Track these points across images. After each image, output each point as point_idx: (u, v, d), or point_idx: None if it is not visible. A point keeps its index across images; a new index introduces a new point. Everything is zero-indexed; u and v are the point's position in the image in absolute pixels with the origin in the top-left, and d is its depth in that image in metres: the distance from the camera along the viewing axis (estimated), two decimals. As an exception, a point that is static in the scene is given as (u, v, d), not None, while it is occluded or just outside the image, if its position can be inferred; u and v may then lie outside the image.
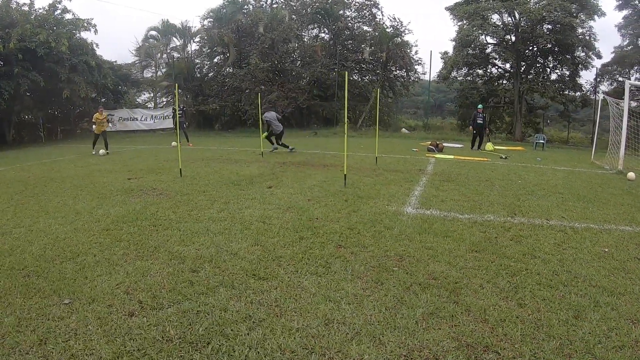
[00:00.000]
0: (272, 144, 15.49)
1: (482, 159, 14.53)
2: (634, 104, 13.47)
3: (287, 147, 15.24)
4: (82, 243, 4.88)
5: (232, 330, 3.01)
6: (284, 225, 5.53)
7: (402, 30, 30.87)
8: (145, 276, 3.92)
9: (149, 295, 3.53)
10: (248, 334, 2.96)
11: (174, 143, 18.67)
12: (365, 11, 32.53)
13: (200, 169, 10.63)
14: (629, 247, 5.04)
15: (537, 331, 3.04)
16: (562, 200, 7.67)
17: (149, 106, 35.73)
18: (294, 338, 2.91)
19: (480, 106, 20.06)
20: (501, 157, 15.24)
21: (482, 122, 19.12)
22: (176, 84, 11.03)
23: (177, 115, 19.96)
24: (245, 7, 32.05)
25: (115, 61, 31.45)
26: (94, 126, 16.54)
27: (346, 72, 9.37)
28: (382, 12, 33.99)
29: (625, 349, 2.86)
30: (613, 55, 30.33)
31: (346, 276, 3.90)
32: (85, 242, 4.90)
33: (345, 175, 8.57)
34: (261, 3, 33.08)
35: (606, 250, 4.86)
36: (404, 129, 31.78)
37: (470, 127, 19.90)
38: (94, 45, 27.55)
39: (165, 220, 5.84)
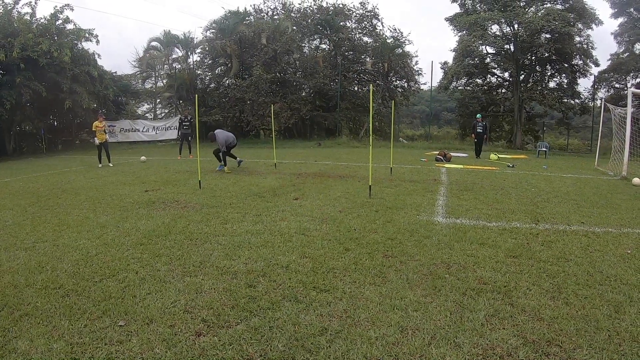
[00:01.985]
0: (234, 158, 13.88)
1: (491, 167, 14.75)
2: (632, 109, 13.68)
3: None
4: (117, 259, 4.78)
5: (312, 344, 3.02)
6: (325, 237, 5.64)
7: (402, 41, 31.30)
8: (199, 293, 3.84)
9: (212, 313, 3.45)
10: (330, 346, 2.99)
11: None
12: (365, 22, 32.90)
13: (217, 181, 10.69)
14: None
15: (587, 325, 3.30)
16: (577, 206, 7.96)
17: (148, 117, 35.83)
18: (377, 347, 2.99)
19: (478, 115, 20.74)
20: (508, 166, 15.47)
21: (481, 130, 19.82)
22: (196, 95, 11.10)
23: (184, 127, 19.88)
24: (247, 18, 32.22)
25: (115, 72, 31.55)
26: (95, 138, 16.41)
27: (371, 85, 9.58)
28: (382, 23, 34.50)
29: (664, 336, 3.15)
30: (609, 62, 30.81)
31: (404, 284, 4.05)
32: (120, 258, 4.81)
33: (370, 186, 8.74)
34: (262, 14, 33.33)
35: (629, 251, 5.15)
36: (401, 138, 32.05)
37: (472, 135, 20.44)
38: (96, 56, 27.61)
39: (201, 234, 5.81)
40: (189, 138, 20.29)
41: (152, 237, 5.67)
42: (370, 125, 9.37)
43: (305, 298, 3.77)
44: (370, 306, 3.61)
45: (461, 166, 15.05)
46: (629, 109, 13.30)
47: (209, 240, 5.52)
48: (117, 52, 75.55)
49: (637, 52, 29.77)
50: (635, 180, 11.22)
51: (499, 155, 19.68)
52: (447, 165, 15.25)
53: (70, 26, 25.60)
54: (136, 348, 2.96)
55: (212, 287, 3.98)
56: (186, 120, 20.37)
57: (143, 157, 17.47)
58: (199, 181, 9.90)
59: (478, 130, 19.85)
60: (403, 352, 2.93)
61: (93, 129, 16.45)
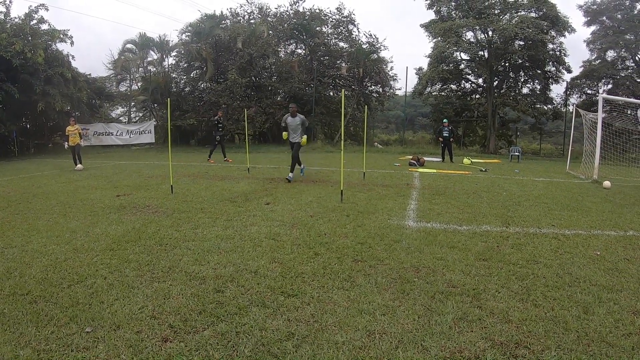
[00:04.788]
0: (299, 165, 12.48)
1: (463, 172, 14.88)
2: (603, 115, 13.96)
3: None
4: (86, 264, 4.67)
5: (278, 349, 2.98)
6: (295, 241, 5.58)
7: (378, 46, 31.44)
8: (167, 299, 3.78)
9: (179, 319, 3.39)
10: (296, 351, 2.96)
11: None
12: (341, 28, 32.98)
13: (189, 186, 10.57)
14: (617, 249, 5.45)
15: (556, 326, 3.31)
16: (548, 209, 8.07)
17: (123, 120, 35.35)
18: (343, 351, 2.95)
19: (445, 120, 21.33)
20: (481, 170, 15.63)
21: (447, 135, 20.36)
22: (168, 99, 10.93)
23: (219, 128, 19.23)
24: (224, 22, 32.00)
25: (90, 74, 30.98)
26: (66, 142, 16.30)
27: (343, 90, 9.58)
28: (358, 28, 34.55)
29: (632, 335, 3.20)
30: (582, 69, 31.49)
31: (372, 289, 4.02)
32: (89, 264, 4.70)
33: (342, 191, 8.73)
34: (238, 18, 33.18)
35: (598, 253, 5.22)
36: (376, 143, 32.17)
37: (439, 139, 21.00)
38: (70, 57, 27.02)
39: (171, 239, 5.72)
40: (221, 140, 19.74)
41: (121, 243, 5.55)
42: (342, 130, 9.34)
43: (273, 303, 3.71)
44: (337, 310, 3.57)
45: (434, 170, 15.17)
46: (600, 115, 13.58)
47: (179, 246, 5.43)
48: (91, 53, 74.37)
49: (609, 59, 30.50)
50: (606, 183, 11.45)
51: (472, 160, 19.89)
52: (420, 170, 15.38)
53: (44, 26, 25.07)
54: (102, 354, 2.90)
55: (180, 293, 3.91)
56: (220, 122, 19.64)
57: (80, 166, 15.94)
58: (171, 186, 9.76)
59: (444, 134, 20.41)
60: (370, 357, 2.90)
61: (66, 134, 16.33)
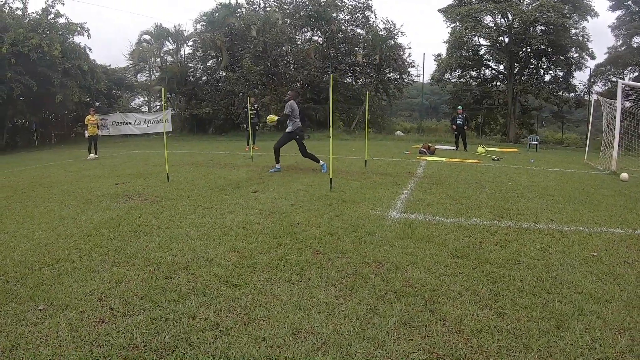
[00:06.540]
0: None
1: (474, 161, 14.48)
2: (627, 104, 13.36)
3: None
4: (62, 249, 4.86)
5: (197, 338, 2.97)
6: (264, 230, 5.45)
7: (395, 32, 30.90)
8: (119, 283, 3.89)
9: (121, 302, 3.51)
10: (213, 342, 2.93)
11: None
12: (358, 14, 32.50)
13: (188, 174, 10.57)
14: (619, 250, 4.91)
15: (515, 342, 2.89)
16: (552, 202, 7.60)
17: (143, 110, 35.69)
18: (259, 347, 2.86)
19: (459, 107, 20.93)
20: (493, 159, 15.21)
21: (461, 122, 19.99)
22: (163, 88, 10.80)
23: (250, 116, 18.87)
24: (238, 10, 31.82)
25: (109, 65, 31.27)
26: (86, 131, 16.76)
27: (331, 75, 9.31)
28: (375, 14, 33.85)
29: (609, 361, 2.74)
30: (607, 55, 30.56)
31: (320, 284, 3.81)
32: (65, 248, 4.87)
33: (331, 179, 8.48)
34: (254, 7, 32.96)
35: (595, 254, 4.72)
36: (398, 131, 31.74)
37: (453, 126, 20.56)
38: (87, 50, 27.41)
39: (147, 226, 5.78)
40: (256, 127, 19.13)
41: (101, 229, 5.68)
42: (331, 116, 9.03)
43: (213, 292, 3.70)
44: (273, 304, 3.46)
45: (443, 159, 14.80)
46: (619, 103, 13.04)
47: (151, 233, 5.50)
48: (113, 45, 75.22)
49: (635, 45, 29.47)
50: (623, 175, 10.90)
51: (487, 149, 19.42)
52: (429, 158, 15.02)
53: (61, 20, 25.46)
54: (45, 330, 3.11)
55: (133, 278, 4.01)
56: (253, 108, 18.69)
57: (93, 156, 16.22)
58: (167, 174, 9.75)
59: (458, 122, 20.03)
60: (285, 356, 2.76)
61: (85, 122, 16.94)
